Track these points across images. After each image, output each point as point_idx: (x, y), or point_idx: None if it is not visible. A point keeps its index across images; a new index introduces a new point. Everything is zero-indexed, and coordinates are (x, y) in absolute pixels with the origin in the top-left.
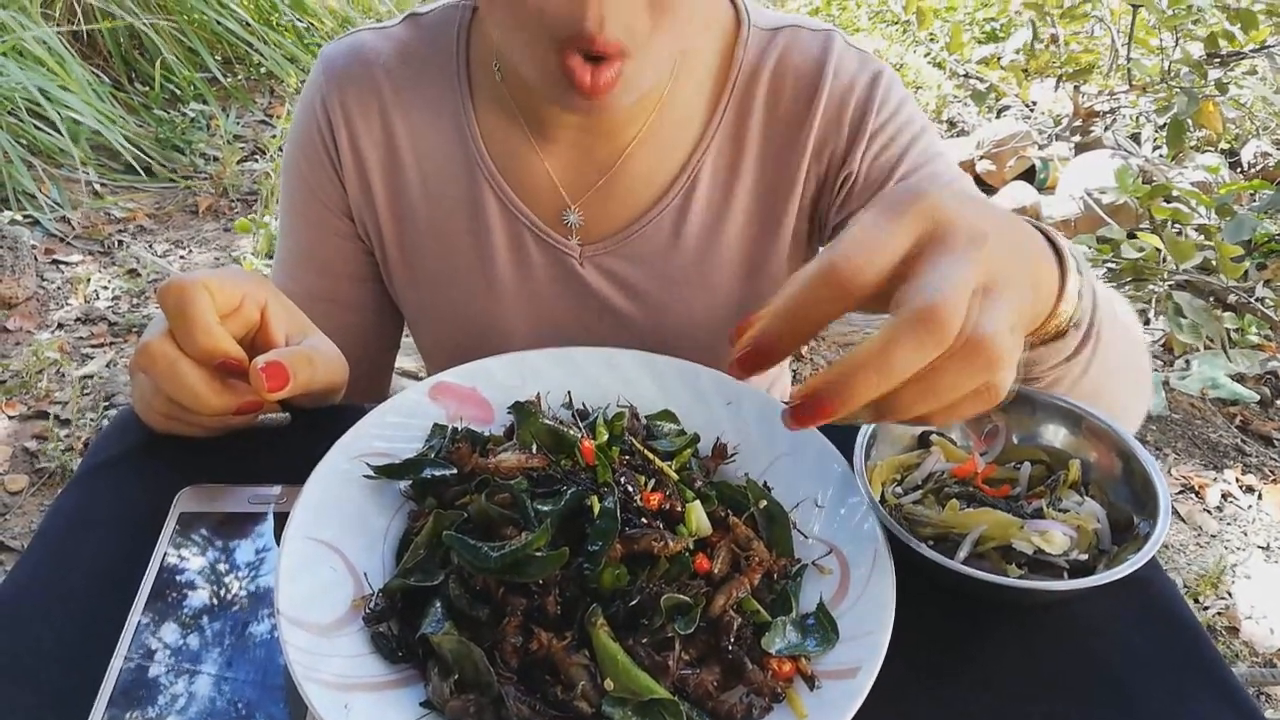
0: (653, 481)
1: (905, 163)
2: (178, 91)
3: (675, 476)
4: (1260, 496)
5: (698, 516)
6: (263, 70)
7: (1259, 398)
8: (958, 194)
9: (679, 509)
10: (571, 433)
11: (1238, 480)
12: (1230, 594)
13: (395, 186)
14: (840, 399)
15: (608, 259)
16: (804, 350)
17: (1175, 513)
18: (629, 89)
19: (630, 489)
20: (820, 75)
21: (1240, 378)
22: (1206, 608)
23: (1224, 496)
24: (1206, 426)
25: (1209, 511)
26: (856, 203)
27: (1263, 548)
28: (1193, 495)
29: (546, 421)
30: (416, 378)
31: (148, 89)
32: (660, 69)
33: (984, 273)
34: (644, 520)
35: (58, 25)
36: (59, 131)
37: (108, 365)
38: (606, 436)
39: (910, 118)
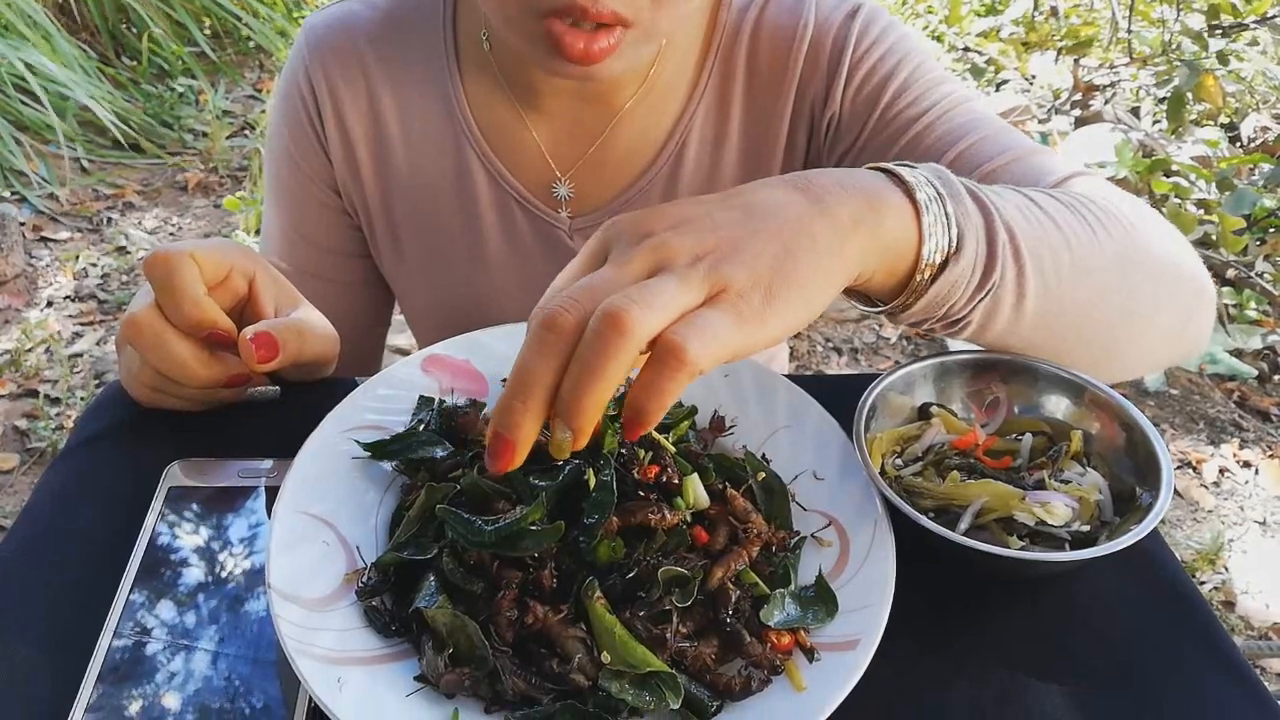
0: (650, 454)
1: (889, 91)
2: (166, 66)
3: (673, 449)
4: (1257, 471)
5: (695, 489)
6: (252, 44)
7: (1257, 373)
8: (654, 207)
9: (676, 482)
10: None
11: (1235, 455)
12: (1226, 569)
13: (382, 159)
14: (509, 427)
15: None
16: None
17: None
18: (625, 58)
19: (627, 461)
20: (797, 27)
21: (1238, 353)
22: (1203, 583)
23: (1221, 472)
24: (1204, 402)
25: (1206, 487)
26: (844, 142)
27: (1259, 522)
28: (1190, 470)
29: None
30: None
31: (135, 63)
32: (659, 40)
33: (647, 260)
34: (641, 493)
35: None
36: (46, 107)
37: (98, 343)
38: (613, 411)
39: (894, 46)
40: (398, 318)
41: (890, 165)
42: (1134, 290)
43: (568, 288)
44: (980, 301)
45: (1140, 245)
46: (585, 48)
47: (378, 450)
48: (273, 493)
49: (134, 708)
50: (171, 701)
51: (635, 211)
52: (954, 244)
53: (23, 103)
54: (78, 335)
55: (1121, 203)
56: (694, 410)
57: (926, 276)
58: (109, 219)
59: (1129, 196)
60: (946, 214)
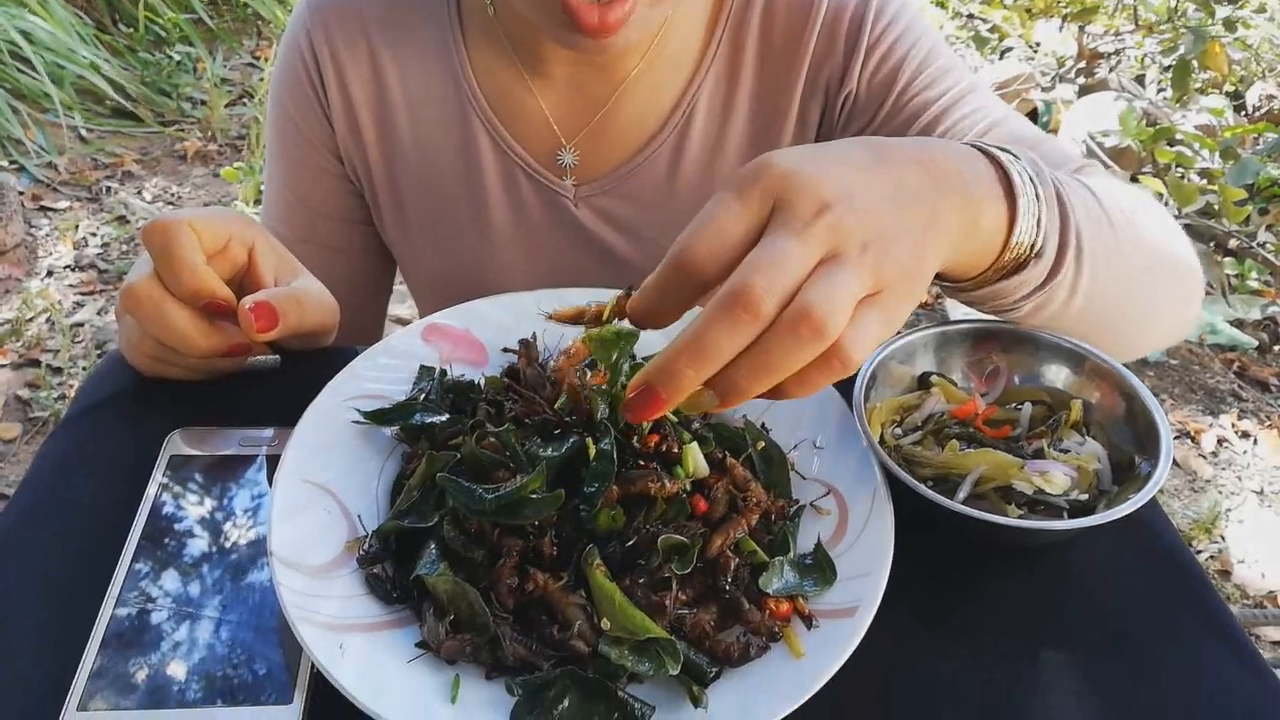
0: (649, 423)
1: (905, 73)
2: (163, 33)
3: (673, 417)
4: (1256, 442)
5: (695, 458)
6: (249, 11)
7: (1257, 343)
8: (812, 154)
9: (676, 451)
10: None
11: (1233, 425)
12: (1223, 538)
13: (385, 125)
14: (667, 388)
15: (603, 199)
16: None
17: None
18: (636, 26)
19: (627, 430)
20: (813, 3)
21: (1239, 323)
22: (1200, 552)
23: (1219, 442)
24: (1204, 372)
25: (1204, 457)
26: (859, 120)
27: (1257, 492)
28: (1188, 440)
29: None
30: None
31: (132, 30)
32: (669, 6)
33: (826, 241)
34: (641, 462)
35: None
36: (43, 75)
37: (99, 313)
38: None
39: (910, 26)
40: (399, 287)
41: (999, 154)
42: (1149, 285)
43: (757, 260)
44: (1037, 296)
45: (1153, 242)
46: (601, 20)
47: (378, 418)
48: (274, 461)
49: (137, 675)
50: (174, 669)
51: (798, 160)
52: (1033, 250)
53: (19, 70)
54: (79, 305)
55: (1135, 198)
56: None
57: (998, 274)
58: (108, 188)
59: (1135, 189)
60: (1037, 222)
